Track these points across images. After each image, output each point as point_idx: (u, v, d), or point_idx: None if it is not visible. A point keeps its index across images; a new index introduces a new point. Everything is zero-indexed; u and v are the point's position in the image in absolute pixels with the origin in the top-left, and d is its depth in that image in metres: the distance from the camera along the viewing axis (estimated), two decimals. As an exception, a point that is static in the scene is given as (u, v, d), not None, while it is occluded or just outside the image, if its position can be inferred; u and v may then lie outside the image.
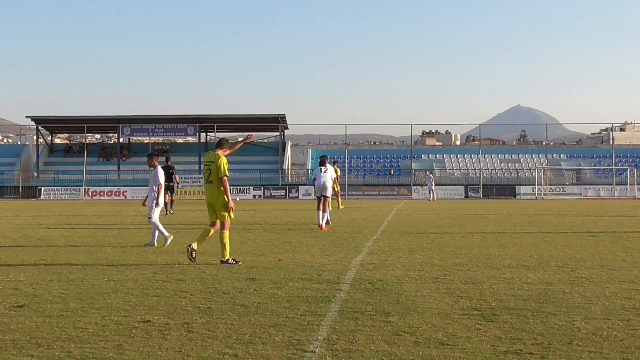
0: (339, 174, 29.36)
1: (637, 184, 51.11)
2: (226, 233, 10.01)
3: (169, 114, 59.97)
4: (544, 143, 73.07)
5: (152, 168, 13.08)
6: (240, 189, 49.16)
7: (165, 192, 22.97)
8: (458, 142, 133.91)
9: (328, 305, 6.78)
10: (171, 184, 24.38)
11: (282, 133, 60.69)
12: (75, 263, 10.19)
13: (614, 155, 57.65)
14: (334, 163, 29.58)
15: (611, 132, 73.80)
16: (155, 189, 12.84)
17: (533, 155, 62.48)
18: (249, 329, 5.80)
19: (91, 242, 13.51)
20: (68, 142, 73.37)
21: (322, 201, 16.99)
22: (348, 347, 5.19)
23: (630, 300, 7.02)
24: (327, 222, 17.32)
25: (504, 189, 51.70)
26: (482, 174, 55.66)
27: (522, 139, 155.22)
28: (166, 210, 23.41)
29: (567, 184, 54.71)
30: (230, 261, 9.88)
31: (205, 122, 59.15)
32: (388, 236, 14.80)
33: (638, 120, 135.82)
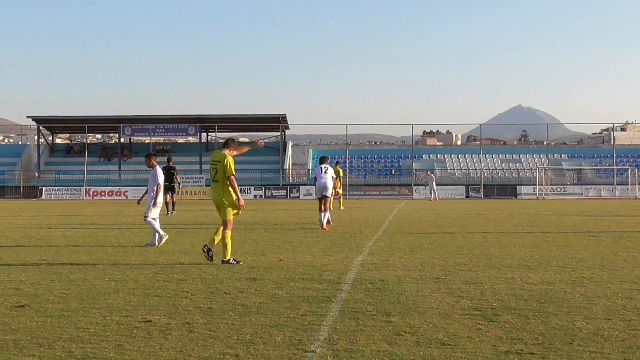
0: (341, 174, 29.38)
1: (638, 184, 51.07)
2: (228, 233, 10.02)
3: (169, 114, 60.04)
4: (545, 143, 73.04)
5: (150, 168, 13.11)
6: (241, 188, 48.82)
7: (167, 193, 23.01)
8: (459, 142, 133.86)
9: (329, 305, 6.78)
10: (172, 184, 24.40)
11: (283, 133, 60.72)
12: (77, 263, 10.19)
13: (615, 155, 57.64)
14: (336, 164, 29.60)
15: (612, 132, 73.84)
16: (154, 189, 12.85)
17: (534, 155, 62.48)
18: (250, 329, 5.80)
19: (92, 242, 13.52)
20: (69, 142, 73.39)
21: (323, 202, 17.01)
22: (349, 347, 5.20)
23: (631, 301, 7.01)
24: (328, 222, 17.33)
25: (505, 189, 51.69)
26: (483, 174, 55.64)
27: (523, 139, 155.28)
28: (167, 211, 23.42)
29: (568, 184, 54.69)
30: (231, 261, 9.89)
31: (206, 122, 59.19)
32: (389, 236, 14.80)
33: (639, 120, 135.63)
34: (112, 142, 69.37)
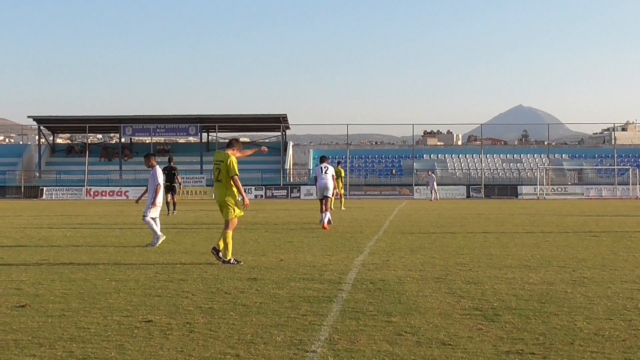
0: (343, 175, 29.38)
1: (639, 184, 51.05)
2: (229, 233, 10.02)
3: (170, 114, 60.09)
4: (545, 143, 73.03)
5: (150, 168, 13.12)
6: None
7: (167, 193, 23.01)
8: (460, 142, 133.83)
9: (330, 305, 6.78)
10: (173, 184, 24.40)
11: (283, 133, 60.75)
12: (78, 263, 10.20)
13: (615, 155, 57.63)
14: (338, 164, 29.61)
15: (613, 132, 73.88)
16: (154, 189, 12.86)
17: (535, 155, 62.48)
18: (250, 329, 5.80)
19: (93, 242, 13.52)
20: (70, 142, 73.45)
21: (324, 202, 17.02)
22: (350, 347, 5.19)
23: (632, 300, 7.01)
24: (329, 222, 17.33)
25: (506, 189, 51.70)
26: (484, 174, 55.63)
27: (523, 139, 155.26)
28: (168, 211, 23.43)
29: (569, 183, 54.68)
30: (232, 261, 9.89)
31: (206, 122, 59.21)
32: (390, 236, 14.80)
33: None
34: (113, 142, 69.44)
